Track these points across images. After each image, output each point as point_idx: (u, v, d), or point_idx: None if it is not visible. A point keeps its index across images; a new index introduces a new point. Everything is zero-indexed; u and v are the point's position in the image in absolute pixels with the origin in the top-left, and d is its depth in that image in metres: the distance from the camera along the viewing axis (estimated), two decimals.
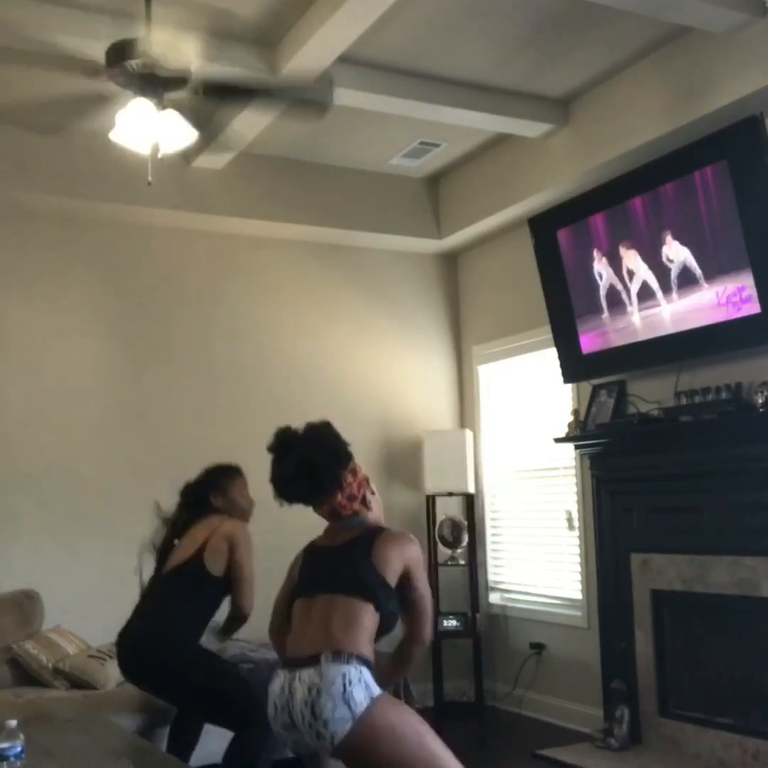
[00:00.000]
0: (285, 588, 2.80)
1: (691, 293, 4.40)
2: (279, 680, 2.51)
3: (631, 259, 4.64)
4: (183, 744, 3.72)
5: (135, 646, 3.55)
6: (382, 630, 2.58)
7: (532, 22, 4.10)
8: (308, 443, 2.66)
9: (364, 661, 2.45)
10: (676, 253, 4.41)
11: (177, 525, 3.75)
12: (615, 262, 4.74)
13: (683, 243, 4.37)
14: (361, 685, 2.39)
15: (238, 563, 3.57)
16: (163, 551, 3.73)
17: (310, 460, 2.63)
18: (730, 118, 4.07)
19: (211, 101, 3.55)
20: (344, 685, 2.37)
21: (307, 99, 3.88)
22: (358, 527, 2.70)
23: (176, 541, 3.72)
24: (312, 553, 2.76)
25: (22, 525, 4.88)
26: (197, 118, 3.50)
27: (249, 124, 4.62)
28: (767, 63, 3.87)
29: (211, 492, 3.74)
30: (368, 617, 2.51)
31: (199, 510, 3.73)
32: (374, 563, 2.57)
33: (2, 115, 4.64)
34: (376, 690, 2.43)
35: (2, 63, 4.05)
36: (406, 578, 2.62)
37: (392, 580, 2.59)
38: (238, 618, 3.64)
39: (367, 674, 2.43)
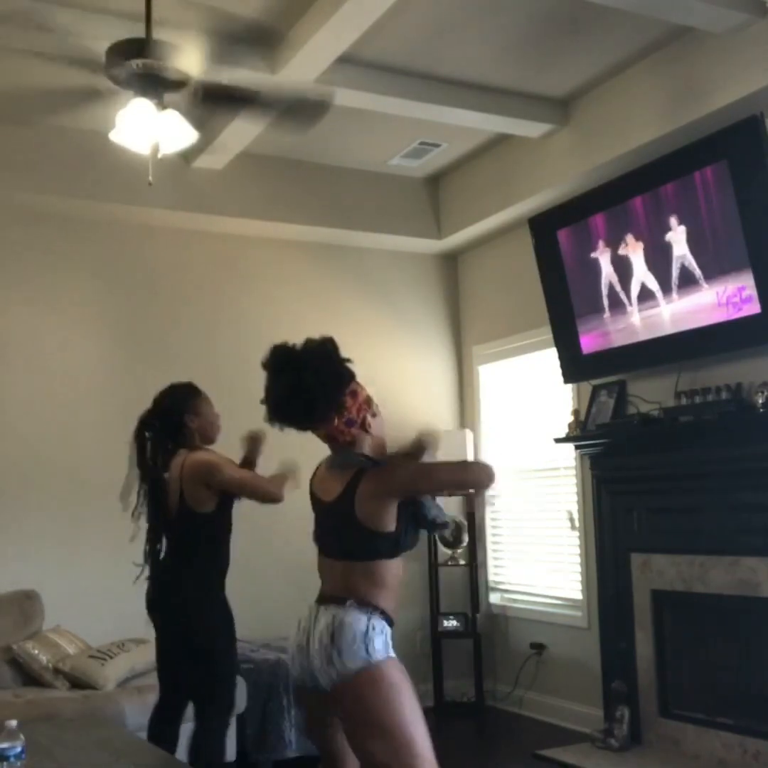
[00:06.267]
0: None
1: (691, 293, 4.39)
2: (309, 608, 2.47)
3: (636, 252, 4.62)
4: (168, 735, 3.59)
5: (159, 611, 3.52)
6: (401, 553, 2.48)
7: (532, 22, 4.10)
8: (305, 363, 2.48)
9: (388, 619, 2.40)
10: (680, 241, 4.39)
11: (162, 457, 3.50)
12: (617, 257, 4.73)
13: (687, 232, 4.35)
14: (383, 637, 2.35)
15: (228, 483, 3.40)
16: (155, 491, 3.49)
17: (305, 383, 2.43)
18: (730, 118, 4.06)
19: (206, 106, 3.55)
20: (367, 628, 2.33)
21: (305, 104, 3.81)
22: (348, 466, 2.46)
23: (166, 475, 3.49)
24: (316, 504, 2.57)
25: (23, 525, 4.87)
26: (193, 121, 3.51)
27: (242, 131, 4.72)
28: (767, 63, 3.87)
29: (185, 414, 3.51)
30: (385, 568, 2.42)
31: (176, 437, 3.50)
32: (367, 525, 2.39)
33: (2, 116, 4.64)
34: (393, 653, 2.38)
35: (1, 62, 4.06)
36: (413, 493, 2.40)
37: (392, 523, 2.39)
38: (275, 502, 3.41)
39: (388, 632, 2.38)
